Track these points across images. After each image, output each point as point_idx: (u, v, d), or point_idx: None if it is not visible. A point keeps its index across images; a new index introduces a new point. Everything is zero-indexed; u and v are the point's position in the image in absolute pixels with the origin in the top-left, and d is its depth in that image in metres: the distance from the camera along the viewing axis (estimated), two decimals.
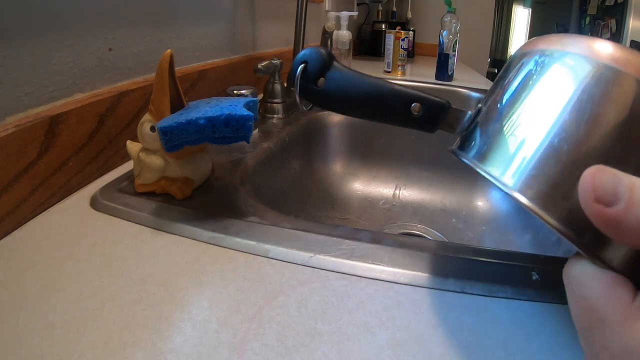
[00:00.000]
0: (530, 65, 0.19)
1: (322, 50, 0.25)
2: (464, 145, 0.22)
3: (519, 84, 0.20)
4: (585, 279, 0.16)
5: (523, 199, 0.17)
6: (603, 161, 0.15)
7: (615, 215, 0.14)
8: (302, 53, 0.26)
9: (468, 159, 0.21)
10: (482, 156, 0.20)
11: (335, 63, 0.26)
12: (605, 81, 0.16)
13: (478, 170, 0.20)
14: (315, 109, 0.28)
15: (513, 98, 0.20)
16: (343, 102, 0.25)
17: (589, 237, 0.16)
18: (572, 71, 0.17)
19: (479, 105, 0.22)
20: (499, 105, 0.20)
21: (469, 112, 0.23)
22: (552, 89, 0.18)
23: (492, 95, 0.22)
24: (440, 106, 0.24)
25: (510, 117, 0.19)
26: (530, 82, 0.19)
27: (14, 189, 0.32)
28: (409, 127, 0.25)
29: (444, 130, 0.25)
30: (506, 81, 0.21)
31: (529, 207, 0.17)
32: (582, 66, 0.17)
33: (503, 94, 0.20)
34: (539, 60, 0.19)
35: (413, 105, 0.24)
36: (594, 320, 0.15)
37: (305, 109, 0.29)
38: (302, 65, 0.25)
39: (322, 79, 0.25)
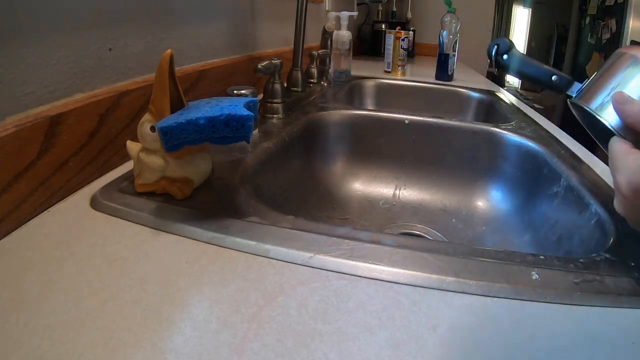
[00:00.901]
0: (630, 59, 0.31)
1: (507, 40, 0.42)
2: (580, 96, 0.34)
3: (622, 70, 0.31)
4: (615, 145, 0.28)
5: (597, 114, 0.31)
6: None
7: (627, 109, 0.28)
8: (496, 41, 0.42)
9: (583, 104, 0.33)
10: (601, 106, 0.32)
11: (514, 49, 0.42)
12: None
13: (585, 107, 0.32)
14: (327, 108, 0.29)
15: (618, 75, 0.31)
16: (516, 71, 0.42)
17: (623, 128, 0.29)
18: None
19: (588, 78, 0.35)
20: (608, 78, 0.32)
21: (581, 84, 0.36)
22: None
23: (601, 72, 0.33)
24: (568, 79, 0.39)
25: (615, 83, 0.31)
26: (629, 69, 0.31)
27: (14, 189, 0.32)
28: (549, 89, 0.40)
29: (569, 93, 0.38)
30: (612, 66, 0.32)
31: (597, 115, 0.31)
32: None
33: (611, 72, 0.32)
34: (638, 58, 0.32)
35: (554, 77, 0.40)
36: (616, 164, 0.27)
37: (496, 72, 0.45)
38: (496, 45, 0.42)
39: (505, 55, 0.42)
